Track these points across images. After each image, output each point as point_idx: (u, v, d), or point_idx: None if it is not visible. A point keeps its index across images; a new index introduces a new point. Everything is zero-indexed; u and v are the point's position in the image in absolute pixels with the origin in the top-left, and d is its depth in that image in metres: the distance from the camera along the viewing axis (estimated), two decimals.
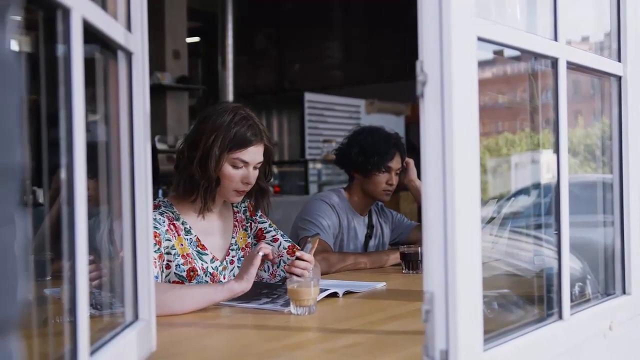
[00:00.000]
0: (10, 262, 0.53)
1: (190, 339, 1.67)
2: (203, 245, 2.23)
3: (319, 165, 7.55)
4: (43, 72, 1.04)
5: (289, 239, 2.40)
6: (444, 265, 1.15)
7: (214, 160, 2.14)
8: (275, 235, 2.38)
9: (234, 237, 2.34)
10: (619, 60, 1.78)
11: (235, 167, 2.18)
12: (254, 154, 2.19)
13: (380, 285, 2.35)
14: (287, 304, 1.91)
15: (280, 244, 2.35)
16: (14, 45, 0.59)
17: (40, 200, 2.98)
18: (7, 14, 0.58)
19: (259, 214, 2.41)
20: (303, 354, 1.52)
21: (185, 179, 2.19)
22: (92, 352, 1.07)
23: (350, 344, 1.58)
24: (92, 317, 1.06)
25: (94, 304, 1.31)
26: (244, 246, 2.36)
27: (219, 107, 2.23)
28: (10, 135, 0.53)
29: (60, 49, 0.98)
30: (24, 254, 0.55)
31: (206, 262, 2.22)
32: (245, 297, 2.01)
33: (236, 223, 2.36)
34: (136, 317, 1.36)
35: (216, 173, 2.16)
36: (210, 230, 2.28)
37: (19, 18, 0.62)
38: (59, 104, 0.99)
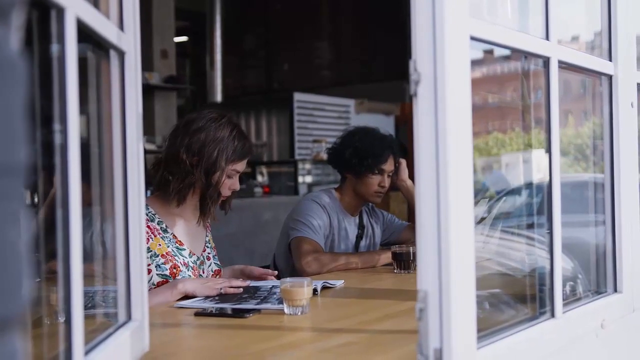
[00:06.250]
0: (16, 260, 0.53)
1: (183, 339, 1.66)
2: (180, 241, 2.29)
3: (308, 166, 7.53)
4: (36, 71, 1.03)
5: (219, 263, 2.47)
6: (437, 263, 1.15)
7: (219, 172, 2.22)
8: (215, 253, 2.47)
9: (207, 236, 2.43)
10: (610, 60, 1.79)
11: (229, 177, 2.27)
12: (245, 164, 2.32)
13: (339, 283, 2.34)
14: (282, 302, 1.90)
15: (210, 264, 2.42)
16: (19, 45, 0.58)
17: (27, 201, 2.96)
18: (11, 13, 0.58)
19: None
20: (298, 353, 1.52)
21: (187, 186, 2.23)
22: (86, 352, 1.07)
23: (344, 343, 1.58)
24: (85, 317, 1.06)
25: (86, 304, 1.30)
26: (213, 246, 2.46)
27: (209, 117, 2.27)
28: (15, 134, 0.53)
29: (54, 48, 0.98)
30: (28, 253, 0.55)
31: (186, 257, 2.27)
32: (237, 300, 2.01)
33: (207, 224, 2.44)
34: (129, 317, 1.36)
35: (220, 184, 2.24)
36: (186, 229, 2.34)
37: (23, 18, 0.62)
38: (52, 103, 0.98)
